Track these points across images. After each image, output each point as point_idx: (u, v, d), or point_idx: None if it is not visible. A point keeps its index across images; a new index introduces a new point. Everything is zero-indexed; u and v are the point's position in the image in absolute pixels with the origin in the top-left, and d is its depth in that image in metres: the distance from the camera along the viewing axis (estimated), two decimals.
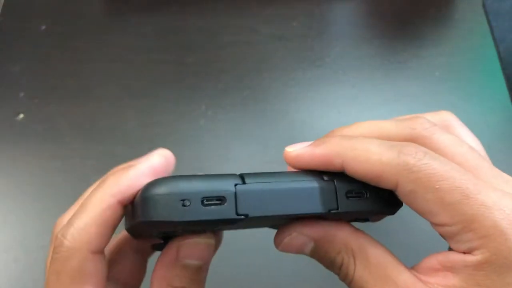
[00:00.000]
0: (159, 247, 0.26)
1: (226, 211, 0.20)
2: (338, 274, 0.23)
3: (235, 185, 0.20)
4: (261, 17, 0.56)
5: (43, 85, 0.52)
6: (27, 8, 0.57)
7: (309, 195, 0.21)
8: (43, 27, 0.56)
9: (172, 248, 0.22)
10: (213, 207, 0.20)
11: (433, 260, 0.21)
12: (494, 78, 0.51)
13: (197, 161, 0.48)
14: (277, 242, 0.23)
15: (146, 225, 0.21)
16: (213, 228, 0.22)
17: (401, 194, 0.21)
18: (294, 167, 0.23)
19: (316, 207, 0.21)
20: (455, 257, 0.21)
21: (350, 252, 0.22)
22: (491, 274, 0.20)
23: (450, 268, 0.21)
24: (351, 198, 0.22)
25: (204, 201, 0.20)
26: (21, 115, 0.50)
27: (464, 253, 0.20)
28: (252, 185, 0.21)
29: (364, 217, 0.24)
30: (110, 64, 0.53)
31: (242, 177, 0.21)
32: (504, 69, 0.51)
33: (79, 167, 0.47)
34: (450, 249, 0.21)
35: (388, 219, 0.26)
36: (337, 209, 0.21)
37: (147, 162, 0.23)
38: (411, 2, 0.56)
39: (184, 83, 0.52)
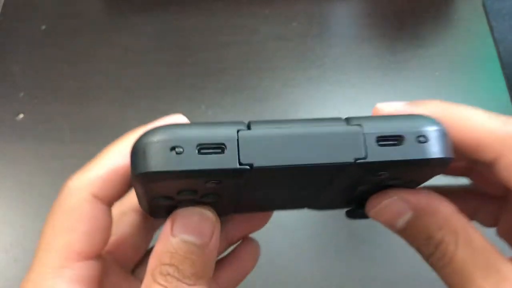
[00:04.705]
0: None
1: (226, 160, 0.17)
2: (431, 255, 0.20)
3: (238, 131, 0.18)
4: (261, 17, 0.56)
5: (43, 85, 0.52)
6: (27, 8, 0.57)
7: (329, 141, 0.18)
8: (43, 27, 0.56)
9: (168, 221, 0.20)
10: (211, 155, 0.17)
11: None
12: (494, 78, 0.51)
13: None
14: (371, 205, 0.21)
15: (139, 181, 0.18)
16: (216, 182, 0.18)
17: (502, 165, 0.20)
18: None
19: (337, 156, 0.17)
20: None
21: (453, 230, 0.20)
22: None
23: None
24: (383, 146, 0.18)
25: (201, 149, 0.17)
26: (21, 115, 0.50)
27: None
28: (258, 130, 0.18)
29: (411, 178, 0.20)
30: (110, 64, 0.53)
31: (248, 124, 0.18)
32: (504, 69, 0.51)
33: (79, 167, 0.47)
34: None
35: None
36: (365, 158, 0.18)
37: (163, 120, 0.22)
38: (411, 2, 0.56)
39: (184, 83, 0.52)
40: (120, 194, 0.21)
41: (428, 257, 0.20)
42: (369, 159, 0.18)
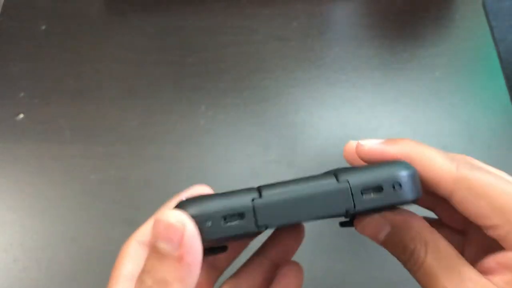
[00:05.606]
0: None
1: (247, 225, 0.22)
2: (407, 262, 0.24)
3: (252, 199, 0.22)
4: (261, 17, 0.56)
5: (43, 85, 0.52)
6: (27, 8, 0.57)
7: (324, 198, 0.22)
8: (43, 27, 0.56)
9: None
10: (234, 223, 0.22)
11: (491, 261, 0.24)
12: (494, 78, 0.51)
13: (197, 161, 0.48)
14: (358, 221, 0.25)
15: None
16: (237, 240, 0.24)
17: (456, 200, 0.24)
18: (362, 159, 0.26)
19: (332, 210, 0.22)
20: (510, 255, 0.23)
21: (423, 241, 0.24)
22: None
23: (506, 266, 0.23)
24: (367, 195, 0.22)
25: (226, 218, 0.22)
26: (21, 115, 0.50)
27: None
28: (268, 197, 0.22)
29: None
30: (110, 64, 0.53)
31: (259, 190, 0.22)
32: (504, 69, 0.51)
33: (79, 167, 0.47)
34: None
35: None
36: (354, 208, 0.22)
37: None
38: (411, 2, 0.56)
39: (184, 83, 0.52)
40: None
41: (405, 263, 0.24)
42: (357, 209, 0.22)
